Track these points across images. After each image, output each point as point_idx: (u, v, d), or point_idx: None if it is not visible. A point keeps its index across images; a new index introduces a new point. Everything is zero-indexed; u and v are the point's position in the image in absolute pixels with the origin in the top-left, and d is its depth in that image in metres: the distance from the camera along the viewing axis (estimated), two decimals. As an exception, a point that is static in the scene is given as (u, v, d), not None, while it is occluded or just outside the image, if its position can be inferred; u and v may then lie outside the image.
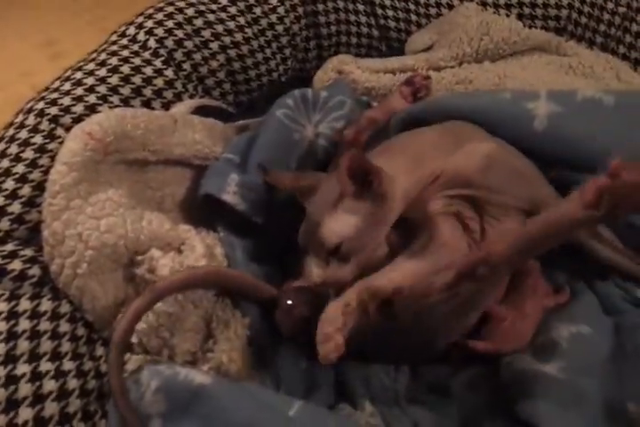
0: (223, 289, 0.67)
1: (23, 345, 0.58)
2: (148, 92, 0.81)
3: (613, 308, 0.72)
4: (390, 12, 1.09)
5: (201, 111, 0.83)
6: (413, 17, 1.10)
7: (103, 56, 0.81)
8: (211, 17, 0.91)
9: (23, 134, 0.70)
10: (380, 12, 1.09)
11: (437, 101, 0.77)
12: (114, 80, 0.78)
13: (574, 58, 1.01)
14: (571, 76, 0.97)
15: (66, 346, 0.61)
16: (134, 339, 0.63)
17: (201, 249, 0.67)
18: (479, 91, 0.76)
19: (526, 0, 1.08)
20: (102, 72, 0.79)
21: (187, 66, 0.88)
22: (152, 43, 0.85)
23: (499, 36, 0.98)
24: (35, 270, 0.62)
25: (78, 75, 0.78)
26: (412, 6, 1.09)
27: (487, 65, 0.97)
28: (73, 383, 0.59)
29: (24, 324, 0.59)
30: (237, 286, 0.68)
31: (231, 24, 0.93)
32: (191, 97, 0.87)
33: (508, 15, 1.05)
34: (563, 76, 0.96)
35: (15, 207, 0.65)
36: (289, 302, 0.64)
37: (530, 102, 0.71)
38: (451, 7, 1.08)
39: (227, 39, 0.92)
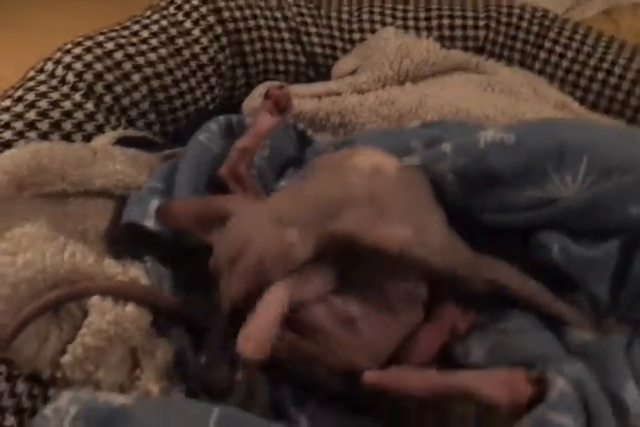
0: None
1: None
2: (67, 125, 0.80)
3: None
4: (316, 39, 1.12)
5: (124, 142, 0.83)
6: (338, 43, 1.13)
7: (20, 92, 0.80)
8: (131, 50, 0.91)
9: None
10: (305, 39, 1.11)
11: None
12: (31, 115, 0.77)
13: (493, 76, 1.05)
14: (489, 93, 1.00)
15: (-16, 384, 0.58)
16: (58, 373, 0.61)
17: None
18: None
19: (445, 22, 1.12)
20: (19, 108, 0.77)
21: (108, 98, 0.87)
22: (71, 77, 0.85)
23: (418, 57, 1.01)
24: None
25: (-9, 113, 0.76)
26: (336, 33, 1.12)
27: (409, 86, 1.00)
28: (-10, 421, 0.57)
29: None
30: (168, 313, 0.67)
31: (153, 56, 0.93)
32: (114, 129, 0.86)
33: (428, 37, 1.09)
34: (482, 94, 1.00)
35: None
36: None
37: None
38: (374, 32, 1.12)
39: (149, 70, 0.92)
